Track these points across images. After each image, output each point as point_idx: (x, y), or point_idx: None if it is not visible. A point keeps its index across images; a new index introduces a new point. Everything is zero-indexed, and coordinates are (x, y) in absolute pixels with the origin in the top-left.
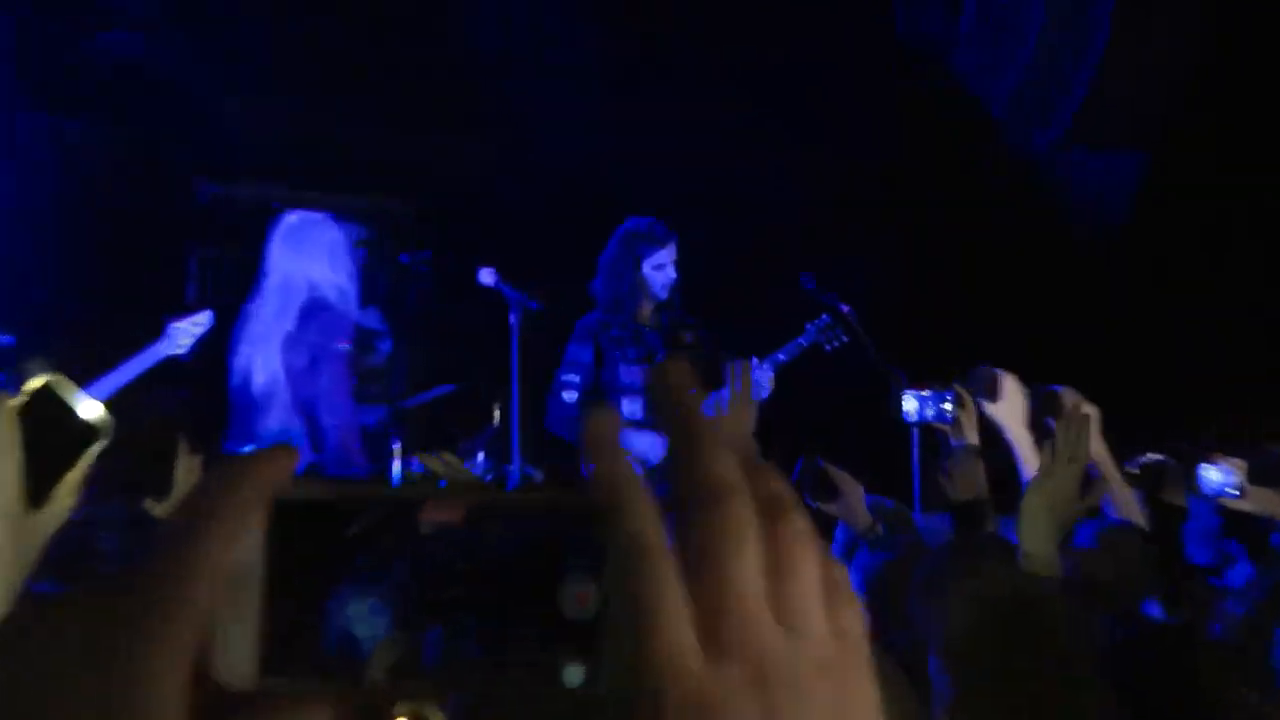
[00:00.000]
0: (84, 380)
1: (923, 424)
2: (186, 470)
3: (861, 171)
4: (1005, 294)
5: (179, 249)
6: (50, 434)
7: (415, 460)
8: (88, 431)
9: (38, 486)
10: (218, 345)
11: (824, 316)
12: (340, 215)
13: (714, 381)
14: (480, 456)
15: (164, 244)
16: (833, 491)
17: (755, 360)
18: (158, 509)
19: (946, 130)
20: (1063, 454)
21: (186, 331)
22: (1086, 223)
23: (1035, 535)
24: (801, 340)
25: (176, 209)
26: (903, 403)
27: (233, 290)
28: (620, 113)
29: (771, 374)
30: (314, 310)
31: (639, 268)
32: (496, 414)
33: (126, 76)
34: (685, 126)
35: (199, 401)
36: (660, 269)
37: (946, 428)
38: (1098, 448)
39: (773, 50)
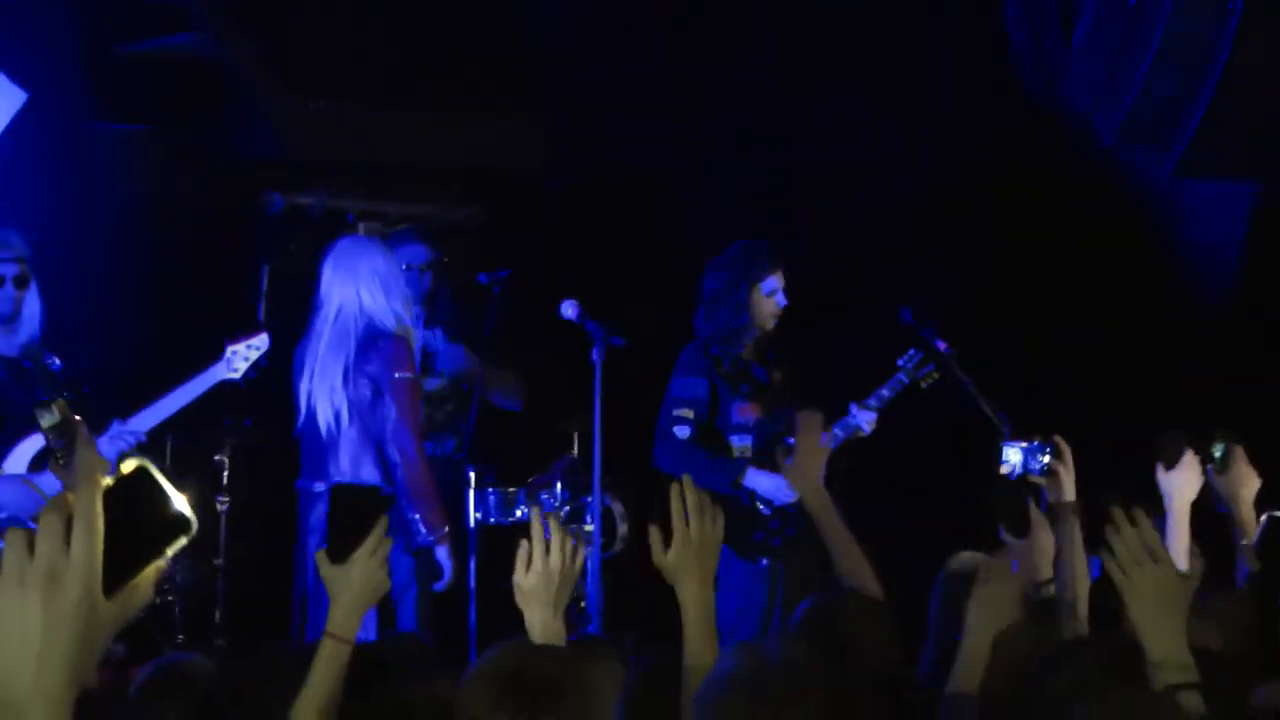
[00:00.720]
0: (138, 404)
1: (1023, 476)
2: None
3: (965, 202)
4: (1112, 331)
5: (249, 263)
6: (136, 521)
7: (492, 491)
8: (175, 524)
9: (115, 574)
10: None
11: (912, 351)
12: (413, 228)
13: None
14: (558, 487)
15: (234, 258)
16: (1025, 527)
17: (854, 406)
18: None
19: (1055, 158)
20: (1129, 560)
21: (242, 355)
22: (1200, 255)
23: (1161, 641)
24: (902, 377)
25: (247, 221)
26: (1004, 454)
27: (306, 305)
28: (700, 129)
29: (874, 417)
30: (372, 339)
31: (754, 294)
32: (575, 444)
33: (194, 83)
34: (774, 144)
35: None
36: (773, 295)
37: (1042, 481)
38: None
39: (875, 72)
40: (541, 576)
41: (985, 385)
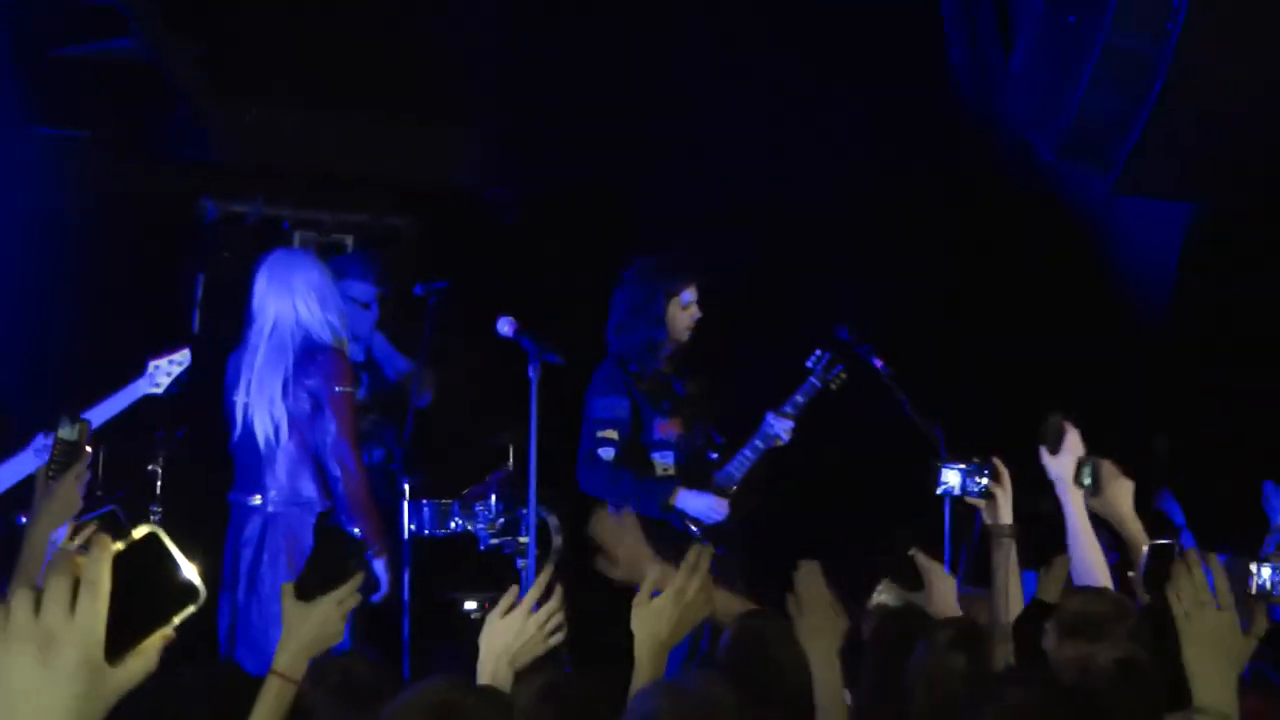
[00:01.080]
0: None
1: (961, 498)
2: None
3: (899, 215)
4: (1046, 344)
5: (183, 272)
6: (144, 588)
7: (426, 503)
8: (184, 592)
9: (120, 639)
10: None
11: (819, 352)
12: (360, 255)
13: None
14: (492, 500)
15: (168, 266)
16: (918, 582)
17: (770, 415)
18: None
19: (991, 173)
20: (1192, 601)
21: (165, 370)
22: (1133, 271)
23: (1209, 687)
24: (814, 380)
25: (181, 229)
26: (941, 476)
27: (241, 313)
28: (639, 138)
29: (791, 424)
30: (310, 353)
31: (670, 306)
32: (510, 457)
33: (129, 88)
34: (702, 147)
35: (199, 443)
36: (689, 307)
37: (982, 504)
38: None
39: (813, 83)
40: (516, 626)
41: (921, 403)
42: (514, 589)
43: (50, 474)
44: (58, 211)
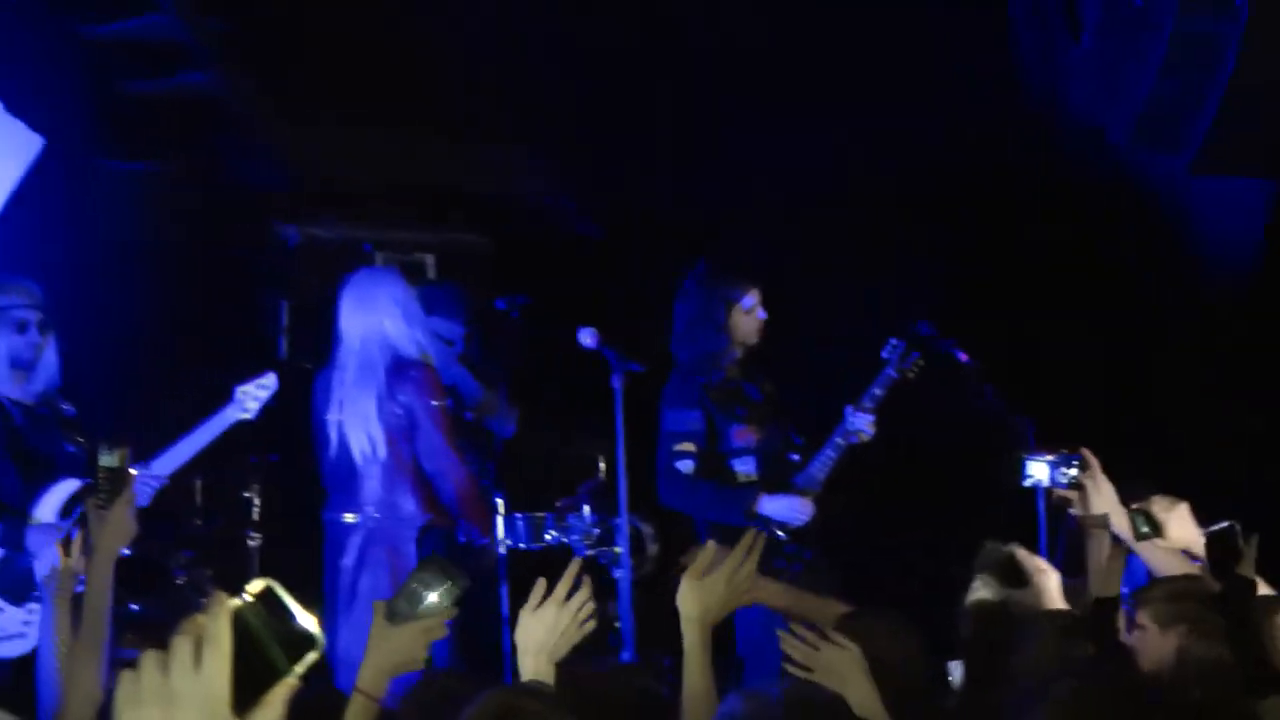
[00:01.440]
0: (156, 448)
1: (1049, 489)
2: None
3: (961, 198)
4: (1128, 331)
5: (266, 298)
6: (265, 640)
7: (519, 517)
8: (303, 641)
9: (246, 693)
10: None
11: (893, 341)
12: (449, 290)
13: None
14: (585, 511)
15: (249, 293)
16: (1021, 579)
17: (849, 409)
18: None
19: (1060, 157)
20: None
21: (253, 395)
22: (1215, 253)
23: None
24: (890, 371)
25: (261, 256)
26: (1027, 467)
27: (328, 336)
28: (708, 146)
29: (872, 418)
30: (401, 368)
31: (731, 313)
32: (601, 467)
33: (202, 119)
34: (767, 145)
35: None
36: (753, 310)
37: (1073, 495)
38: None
39: (887, 90)
40: (545, 623)
41: (1007, 395)
42: (541, 582)
43: (99, 504)
44: (139, 245)
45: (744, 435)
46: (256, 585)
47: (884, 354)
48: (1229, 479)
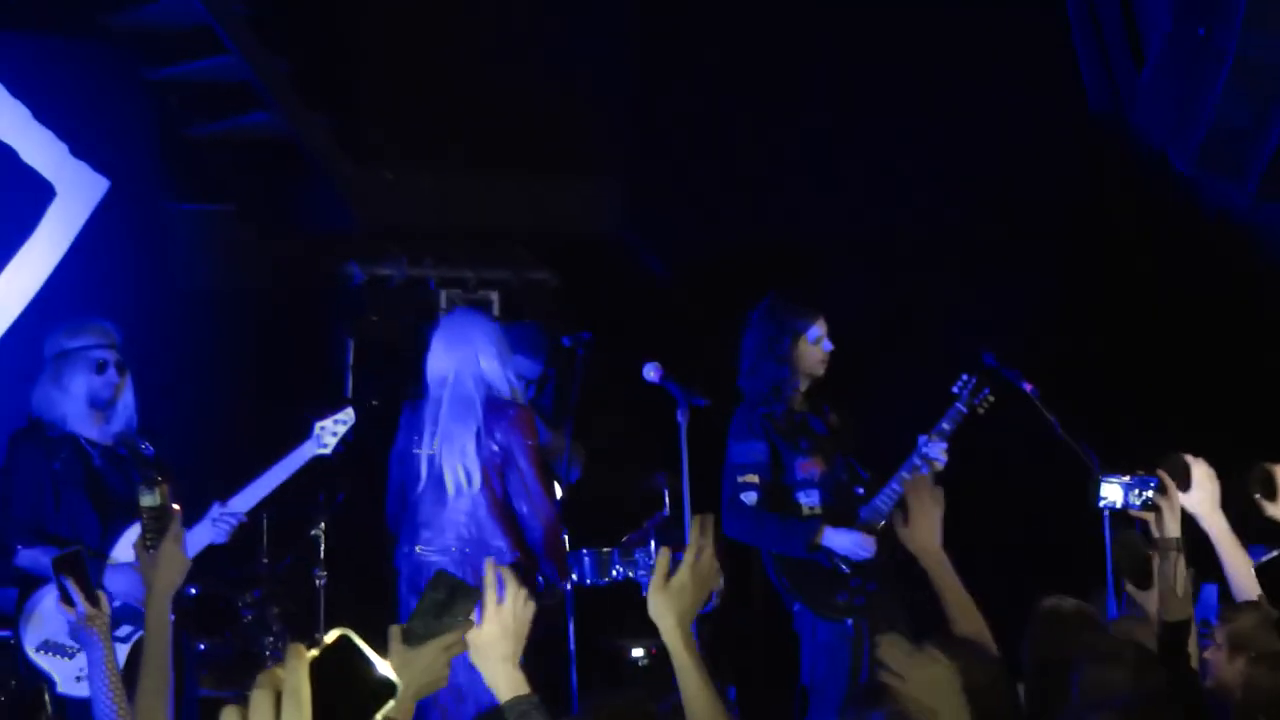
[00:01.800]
0: (233, 486)
1: (1124, 511)
2: None
3: (1030, 229)
4: (1200, 362)
5: (333, 337)
6: (343, 689)
7: (586, 552)
8: (381, 689)
9: None
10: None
11: (965, 377)
12: (530, 330)
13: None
14: (652, 546)
15: (318, 332)
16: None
17: (923, 437)
18: None
19: (1135, 190)
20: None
21: (330, 430)
22: None
23: None
24: (960, 406)
25: (328, 295)
26: (1102, 489)
27: (393, 374)
28: (772, 183)
29: (945, 445)
30: (498, 407)
31: (797, 344)
32: (666, 501)
33: (268, 160)
34: (833, 179)
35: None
36: (818, 342)
37: (1148, 516)
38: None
39: (954, 123)
40: (496, 628)
41: (1072, 424)
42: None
43: (148, 544)
44: (205, 286)
45: (808, 467)
46: (333, 635)
47: (954, 389)
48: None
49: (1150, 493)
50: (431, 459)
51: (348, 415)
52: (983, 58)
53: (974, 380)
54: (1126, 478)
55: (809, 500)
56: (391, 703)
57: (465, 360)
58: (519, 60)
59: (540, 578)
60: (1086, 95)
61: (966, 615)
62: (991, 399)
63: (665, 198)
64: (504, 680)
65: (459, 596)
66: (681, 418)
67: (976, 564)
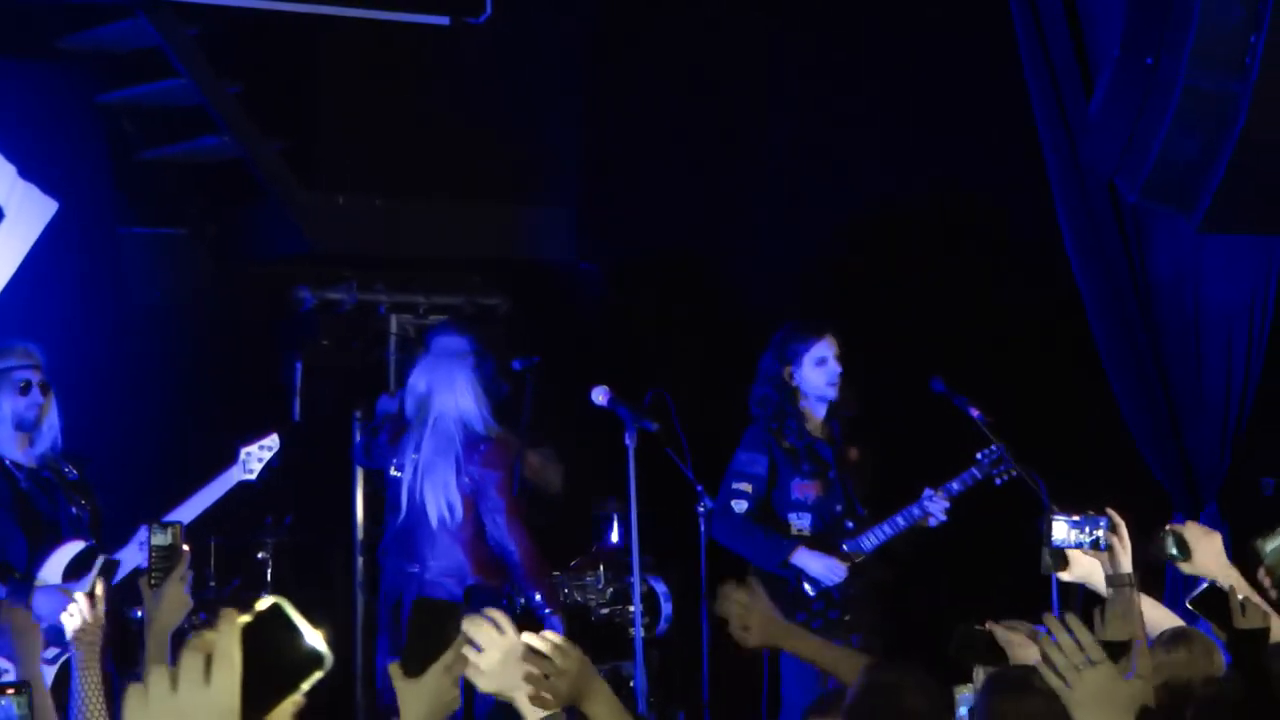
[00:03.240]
0: (160, 509)
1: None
2: None
3: (985, 256)
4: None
5: (281, 361)
6: (272, 658)
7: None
8: (311, 660)
9: (254, 709)
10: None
11: (994, 448)
12: (450, 320)
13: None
14: (600, 570)
15: (266, 356)
16: (1001, 655)
17: (929, 491)
18: None
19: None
20: (1068, 668)
21: (256, 456)
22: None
23: None
24: (975, 472)
25: (278, 319)
26: (1052, 528)
27: (342, 399)
28: (728, 206)
29: (948, 504)
30: (474, 443)
31: (798, 366)
32: (615, 528)
33: (219, 184)
34: (788, 208)
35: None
36: (822, 364)
37: (1101, 557)
38: (1230, 576)
39: (900, 132)
40: (501, 654)
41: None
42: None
43: (152, 583)
44: (156, 309)
45: (804, 489)
46: (265, 602)
47: (979, 455)
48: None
49: (1100, 531)
50: (411, 489)
51: (273, 442)
52: (934, 79)
53: (999, 453)
54: (1075, 516)
55: (799, 522)
56: (319, 674)
57: (445, 401)
58: (470, 87)
59: (523, 599)
60: (1039, 122)
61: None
62: (1010, 474)
63: (615, 224)
64: (526, 706)
65: (443, 616)
66: (630, 441)
67: (927, 592)
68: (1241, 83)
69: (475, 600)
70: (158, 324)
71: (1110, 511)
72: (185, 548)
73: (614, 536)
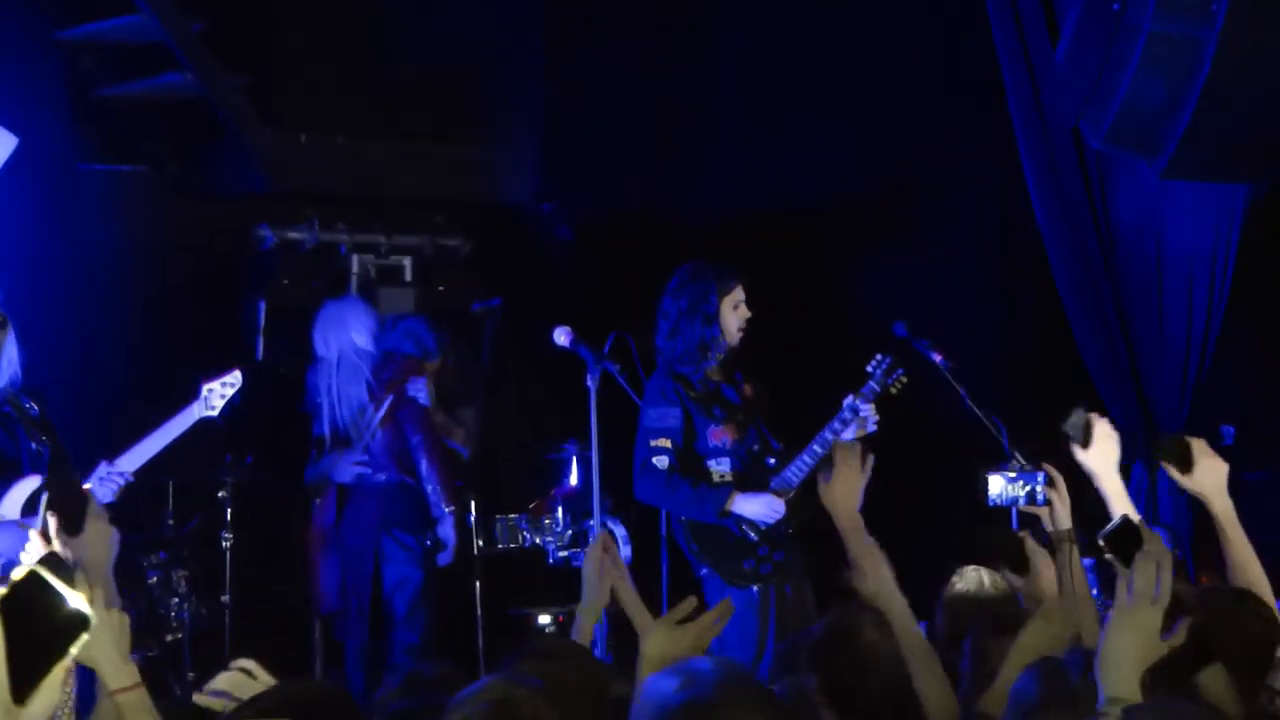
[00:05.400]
0: (121, 446)
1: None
2: None
3: (945, 202)
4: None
5: (243, 300)
6: (35, 626)
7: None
8: (74, 622)
9: (23, 679)
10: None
11: (879, 356)
12: (422, 321)
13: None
14: (559, 512)
15: (227, 295)
16: (1024, 566)
17: (850, 399)
18: None
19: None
20: (1144, 594)
21: (219, 393)
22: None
23: (1119, 681)
24: (873, 384)
25: (239, 258)
26: (990, 485)
27: (304, 338)
28: (689, 150)
29: (870, 405)
30: (383, 360)
31: (723, 306)
32: (574, 470)
33: (180, 122)
34: (744, 152)
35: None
36: (738, 309)
37: (1040, 511)
38: (1224, 505)
39: (861, 82)
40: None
41: (981, 397)
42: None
43: (71, 532)
44: (117, 247)
45: (720, 435)
46: (20, 572)
47: (869, 368)
48: None
49: (1040, 487)
50: (335, 411)
51: (235, 379)
52: (899, 29)
53: (888, 360)
54: (1012, 472)
55: (720, 468)
56: (84, 635)
57: (344, 341)
58: (434, 27)
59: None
60: (1005, 68)
61: (877, 578)
62: (905, 380)
63: (578, 166)
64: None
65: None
66: (591, 382)
67: (888, 535)
68: (1207, 29)
69: (396, 498)
70: (118, 262)
71: (1048, 467)
72: (86, 486)
73: (574, 479)
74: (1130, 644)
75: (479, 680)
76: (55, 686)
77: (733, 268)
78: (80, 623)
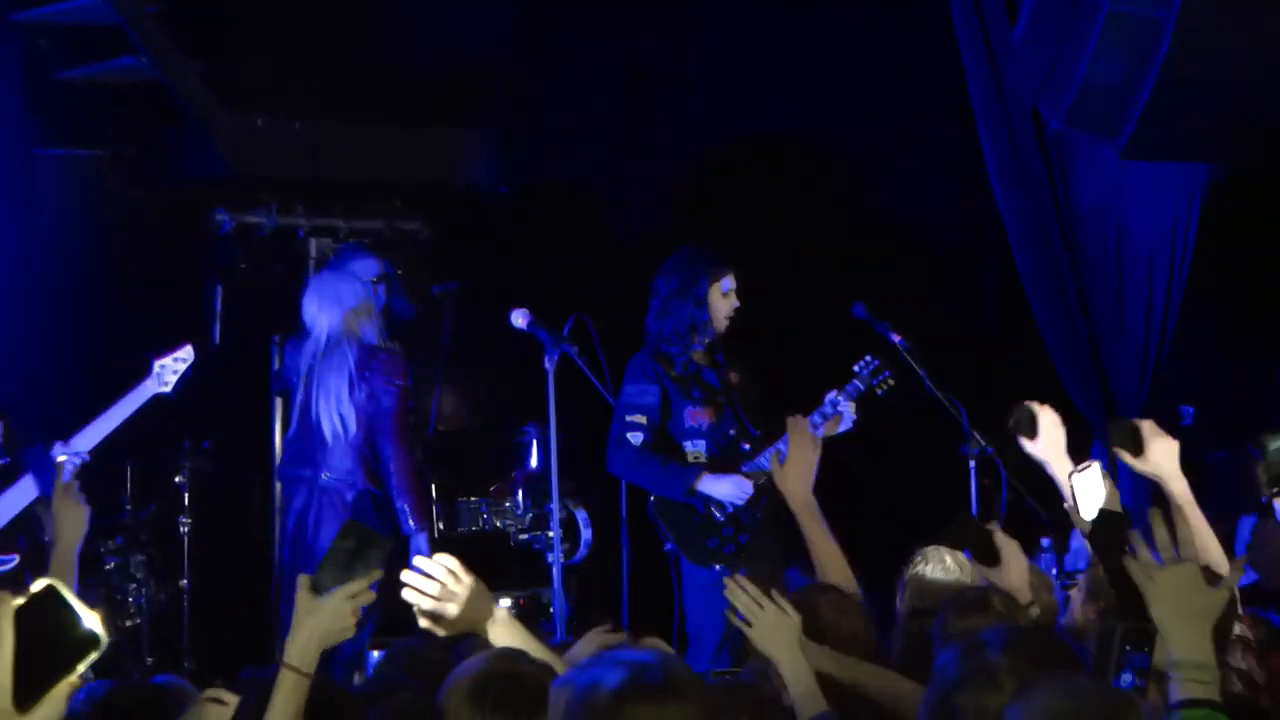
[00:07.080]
0: (73, 429)
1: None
2: None
3: (913, 189)
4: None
5: (201, 284)
6: (48, 638)
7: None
8: (86, 641)
9: (28, 689)
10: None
11: (867, 358)
12: (359, 243)
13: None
14: (519, 496)
15: (184, 279)
16: (994, 557)
17: (834, 394)
18: None
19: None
20: (1167, 548)
21: (171, 369)
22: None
23: (1184, 642)
24: (857, 383)
25: (197, 242)
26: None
27: (261, 323)
28: (646, 134)
29: (824, 424)
30: (371, 352)
31: (714, 291)
32: (535, 453)
33: (138, 106)
34: (704, 140)
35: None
36: (727, 296)
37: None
38: (1180, 487)
39: (821, 63)
40: (461, 593)
41: (941, 378)
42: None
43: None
44: (74, 231)
45: (697, 417)
46: (39, 585)
47: (855, 367)
48: None
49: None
50: (305, 402)
51: (187, 354)
52: (859, 21)
53: (876, 362)
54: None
55: (695, 449)
56: (94, 655)
57: (335, 319)
58: (393, 9)
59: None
60: (964, 48)
61: (832, 563)
62: (892, 383)
63: (538, 149)
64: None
65: (369, 546)
66: (549, 364)
67: (849, 515)
68: (1165, 8)
69: (359, 505)
70: (74, 246)
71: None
72: (60, 459)
73: (534, 462)
74: (1179, 603)
75: (479, 655)
76: (59, 700)
77: (727, 256)
78: (91, 643)
